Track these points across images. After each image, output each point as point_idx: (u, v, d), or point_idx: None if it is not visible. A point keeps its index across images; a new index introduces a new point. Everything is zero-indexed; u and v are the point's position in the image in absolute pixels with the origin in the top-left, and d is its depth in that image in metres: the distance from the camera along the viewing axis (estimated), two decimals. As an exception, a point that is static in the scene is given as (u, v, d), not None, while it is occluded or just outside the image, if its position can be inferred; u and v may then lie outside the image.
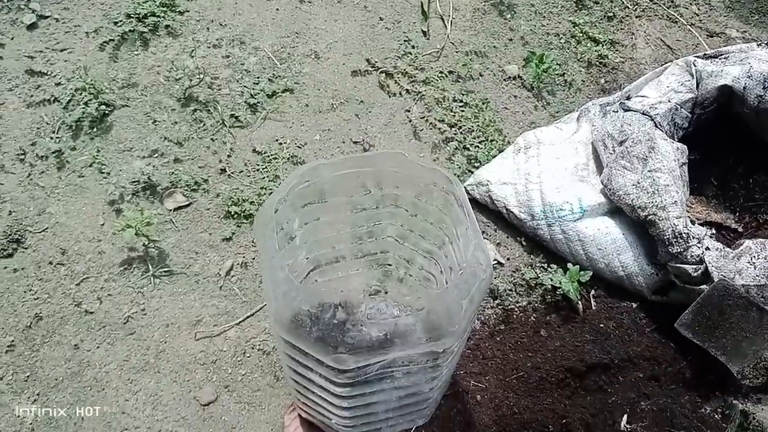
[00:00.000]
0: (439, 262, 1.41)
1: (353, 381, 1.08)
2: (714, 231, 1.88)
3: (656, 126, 1.77)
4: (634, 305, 1.75)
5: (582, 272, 1.68)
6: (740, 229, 1.91)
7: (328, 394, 1.17)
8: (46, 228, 1.72)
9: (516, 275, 1.77)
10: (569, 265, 1.71)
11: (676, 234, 1.60)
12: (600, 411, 1.57)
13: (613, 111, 1.87)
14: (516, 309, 1.72)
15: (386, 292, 1.65)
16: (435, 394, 1.34)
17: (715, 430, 1.58)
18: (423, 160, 1.16)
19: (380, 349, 0.98)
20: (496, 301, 1.72)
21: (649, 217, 1.64)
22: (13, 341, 1.56)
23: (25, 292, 1.62)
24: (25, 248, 1.69)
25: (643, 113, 1.81)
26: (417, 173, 1.20)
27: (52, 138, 1.84)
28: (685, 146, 1.77)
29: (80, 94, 1.89)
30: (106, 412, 1.49)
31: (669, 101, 1.82)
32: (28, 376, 1.52)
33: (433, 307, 0.99)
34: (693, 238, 1.60)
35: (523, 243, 1.82)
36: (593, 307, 1.73)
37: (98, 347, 1.57)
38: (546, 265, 1.78)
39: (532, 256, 1.81)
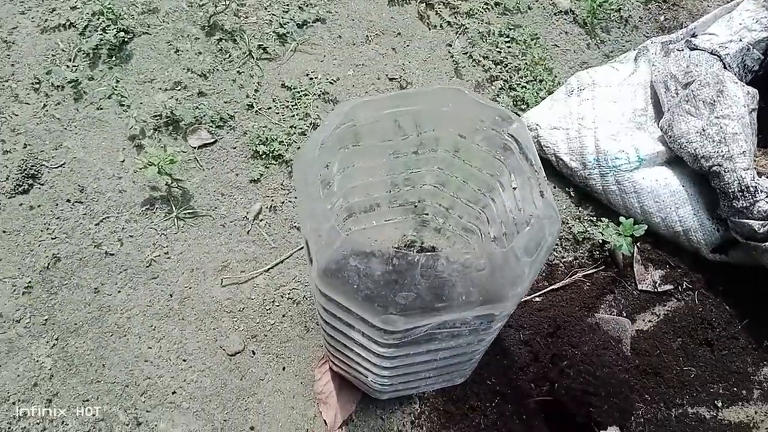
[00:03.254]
0: (484, 211, 1.29)
1: (399, 342, 0.98)
2: (779, 186, 1.73)
3: (725, 67, 1.61)
4: (685, 265, 1.63)
5: (636, 226, 1.56)
6: (807, 186, 1.76)
7: (368, 353, 1.08)
8: (63, 163, 1.61)
9: (563, 228, 1.64)
10: (621, 218, 1.58)
11: (743, 187, 1.46)
12: (649, 374, 1.48)
13: (678, 50, 1.70)
14: (561, 264, 1.61)
15: (422, 243, 1.55)
16: (478, 355, 1.25)
17: (771, 398, 1.49)
18: (482, 97, 1.02)
19: (433, 311, 0.87)
20: (540, 255, 1.61)
21: (714, 168, 1.50)
22: (30, 282, 1.48)
23: (41, 231, 1.54)
24: (42, 184, 1.59)
25: (712, 53, 1.63)
26: (472, 112, 1.07)
27: (68, 66, 1.72)
28: (756, 90, 1.60)
29: (98, 19, 1.75)
30: (128, 359, 1.42)
31: (741, 40, 1.65)
32: (46, 320, 1.45)
33: (494, 267, 0.87)
34: (761, 192, 1.46)
35: (572, 194, 1.69)
36: (641, 265, 1.62)
37: (119, 291, 1.49)
38: (595, 218, 1.66)
39: (580, 208, 1.68)
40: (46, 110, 1.67)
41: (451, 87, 1.03)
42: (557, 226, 0.92)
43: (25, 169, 1.58)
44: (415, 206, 1.41)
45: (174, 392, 1.40)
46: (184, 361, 1.43)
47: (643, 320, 1.56)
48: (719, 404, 1.47)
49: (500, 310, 0.94)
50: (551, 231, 0.91)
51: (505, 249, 0.87)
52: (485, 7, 1.93)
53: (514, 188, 1.10)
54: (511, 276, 0.88)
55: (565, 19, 1.96)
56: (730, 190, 1.47)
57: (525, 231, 0.89)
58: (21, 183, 1.57)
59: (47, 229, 1.54)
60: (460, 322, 0.97)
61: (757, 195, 1.45)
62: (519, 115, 1.77)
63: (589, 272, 1.59)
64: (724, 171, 1.48)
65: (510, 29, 1.90)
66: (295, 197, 1.61)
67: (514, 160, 1.06)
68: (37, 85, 1.70)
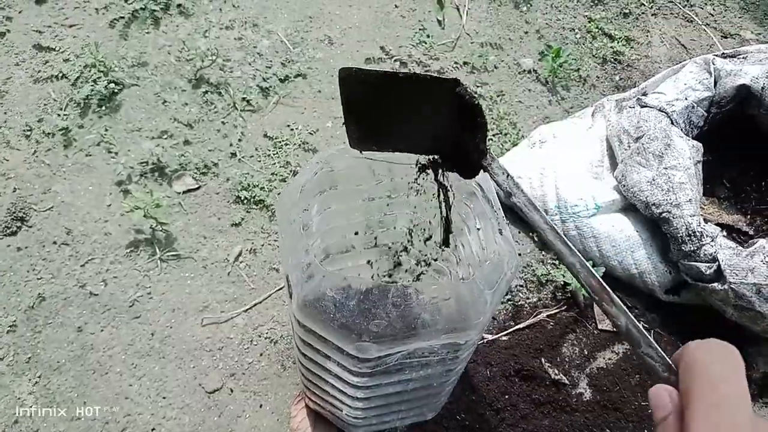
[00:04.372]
0: (454, 253, 1.38)
1: (372, 371, 1.06)
2: (725, 233, 1.86)
3: (672, 123, 1.75)
4: (642, 305, 1.73)
5: (595, 269, 1.66)
6: (751, 232, 1.90)
7: (343, 383, 1.15)
8: (51, 207, 1.68)
9: (527, 271, 1.75)
10: (582, 261, 1.69)
11: (690, 232, 1.58)
12: (609, 409, 1.56)
13: (629, 107, 1.85)
14: (526, 305, 1.70)
15: (395, 283, 1.63)
16: (448, 387, 1.32)
17: None
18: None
19: (404, 339, 0.95)
20: (506, 296, 1.70)
21: (663, 214, 1.62)
22: (15, 321, 1.52)
23: (28, 271, 1.59)
24: (30, 227, 1.65)
25: (660, 110, 1.79)
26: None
27: (59, 115, 1.80)
28: (701, 144, 1.75)
29: (89, 71, 1.85)
30: (109, 396, 1.46)
31: (686, 99, 1.80)
32: (29, 358, 1.49)
33: (459, 297, 0.96)
34: (706, 236, 1.59)
35: (535, 239, 1.80)
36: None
37: (102, 330, 1.54)
38: (557, 261, 1.76)
39: (543, 252, 1.79)
40: (37, 156, 1.75)
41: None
42: (515, 261, 1.02)
43: (13, 212, 1.64)
44: (389, 248, 1.50)
45: (153, 429, 1.44)
46: (164, 398, 1.48)
47: (603, 358, 1.64)
48: (676, 438, 1.55)
49: (465, 338, 1.02)
50: (510, 265, 1.01)
51: (467, 281, 0.96)
52: (455, 66, 2.08)
53: (478, 229, 1.20)
54: (474, 306, 0.97)
55: (529, 78, 2.12)
56: (678, 235, 1.60)
57: (486, 265, 0.99)
58: (9, 225, 1.63)
59: (33, 269, 1.59)
60: (429, 351, 1.05)
61: (703, 239, 1.57)
62: (486, 165, 1.88)
63: (552, 312, 1.69)
64: (673, 217, 1.60)
65: (477, 86, 2.04)
66: (275, 240, 1.69)
67: (478, 204, 1.16)
68: (29, 132, 1.78)
